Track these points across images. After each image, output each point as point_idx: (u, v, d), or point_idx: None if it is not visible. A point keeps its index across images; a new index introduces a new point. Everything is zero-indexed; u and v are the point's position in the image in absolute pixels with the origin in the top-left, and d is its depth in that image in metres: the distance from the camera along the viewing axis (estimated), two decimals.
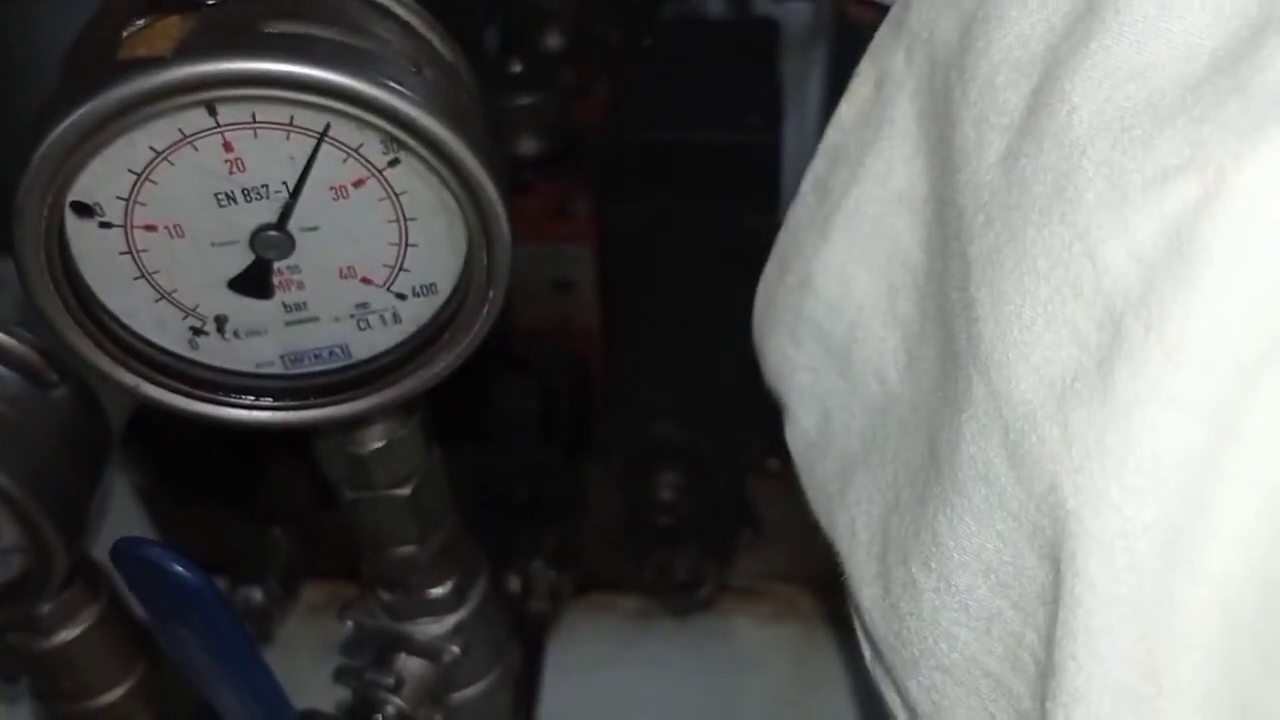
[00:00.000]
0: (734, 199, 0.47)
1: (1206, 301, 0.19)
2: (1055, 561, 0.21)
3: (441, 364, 0.29)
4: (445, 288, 0.28)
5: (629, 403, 0.44)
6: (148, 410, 0.52)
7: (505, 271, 0.27)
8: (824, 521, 0.29)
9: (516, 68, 0.48)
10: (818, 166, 0.30)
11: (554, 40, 0.53)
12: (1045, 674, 0.22)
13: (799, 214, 0.30)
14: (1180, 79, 0.20)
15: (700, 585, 0.50)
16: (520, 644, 0.51)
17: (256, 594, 0.53)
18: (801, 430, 0.30)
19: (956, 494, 0.23)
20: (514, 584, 0.53)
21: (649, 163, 0.47)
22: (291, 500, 0.53)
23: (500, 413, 0.48)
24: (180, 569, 0.27)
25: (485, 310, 0.28)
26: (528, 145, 0.48)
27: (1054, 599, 0.21)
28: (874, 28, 0.29)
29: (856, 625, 0.29)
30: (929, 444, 0.25)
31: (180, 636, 0.29)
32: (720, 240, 0.47)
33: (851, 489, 0.28)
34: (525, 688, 0.50)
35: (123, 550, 0.28)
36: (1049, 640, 0.22)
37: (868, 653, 0.28)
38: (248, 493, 0.54)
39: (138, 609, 0.33)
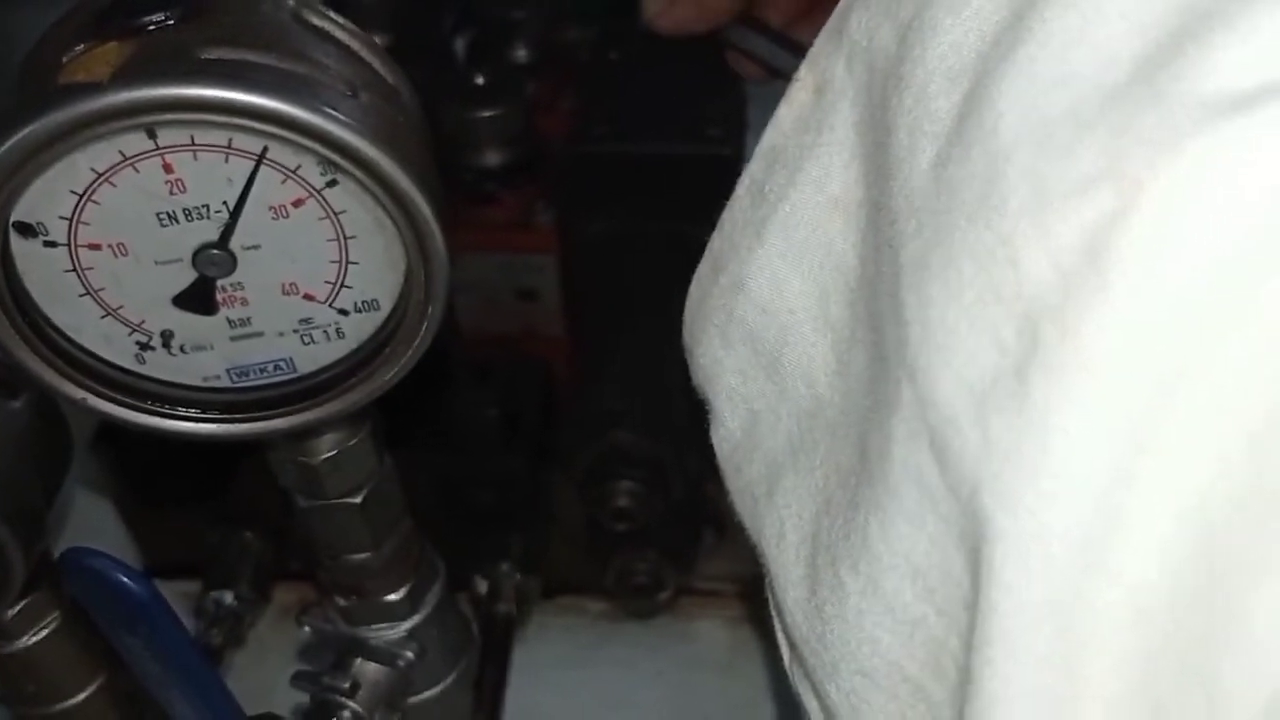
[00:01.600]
0: (696, 210, 0.47)
1: (1120, 312, 0.19)
2: (977, 567, 0.21)
3: (384, 377, 0.29)
4: (386, 304, 0.29)
5: (588, 411, 0.44)
6: None
7: (443, 289, 0.28)
8: (749, 524, 0.30)
9: (481, 80, 0.49)
10: (754, 169, 0.30)
11: (520, 53, 0.53)
12: (964, 680, 0.22)
13: (734, 215, 0.30)
14: (1102, 87, 0.20)
15: (661, 589, 0.51)
16: (486, 645, 0.52)
17: (228, 597, 0.54)
18: (727, 432, 0.31)
19: (889, 497, 0.23)
20: (481, 587, 0.53)
21: (612, 174, 0.48)
22: (263, 504, 0.54)
23: (464, 419, 0.49)
24: (126, 580, 0.28)
25: (424, 326, 0.29)
26: (492, 157, 0.48)
27: (975, 604, 0.22)
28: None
29: (777, 627, 0.29)
30: (859, 447, 0.25)
31: (130, 645, 0.30)
32: (682, 251, 0.47)
33: (780, 492, 0.28)
34: (490, 688, 0.51)
35: (71, 561, 0.28)
36: (969, 646, 0.22)
37: (786, 655, 0.29)
38: (220, 497, 0.55)
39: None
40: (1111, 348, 0.19)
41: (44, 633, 0.37)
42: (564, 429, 0.48)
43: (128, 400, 0.29)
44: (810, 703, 0.28)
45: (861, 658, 0.25)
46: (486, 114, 0.47)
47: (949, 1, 0.23)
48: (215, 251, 0.27)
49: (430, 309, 0.28)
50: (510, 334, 0.50)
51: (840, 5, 0.27)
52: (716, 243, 0.30)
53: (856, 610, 0.25)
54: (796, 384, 0.28)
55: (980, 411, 0.21)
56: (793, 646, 0.28)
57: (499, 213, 0.48)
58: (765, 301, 0.28)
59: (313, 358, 0.30)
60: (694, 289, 0.31)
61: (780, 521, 0.28)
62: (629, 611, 0.53)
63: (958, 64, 0.23)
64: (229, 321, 0.29)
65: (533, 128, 0.49)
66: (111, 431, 0.52)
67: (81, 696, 0.40)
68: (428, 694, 0.40)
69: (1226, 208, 0.18)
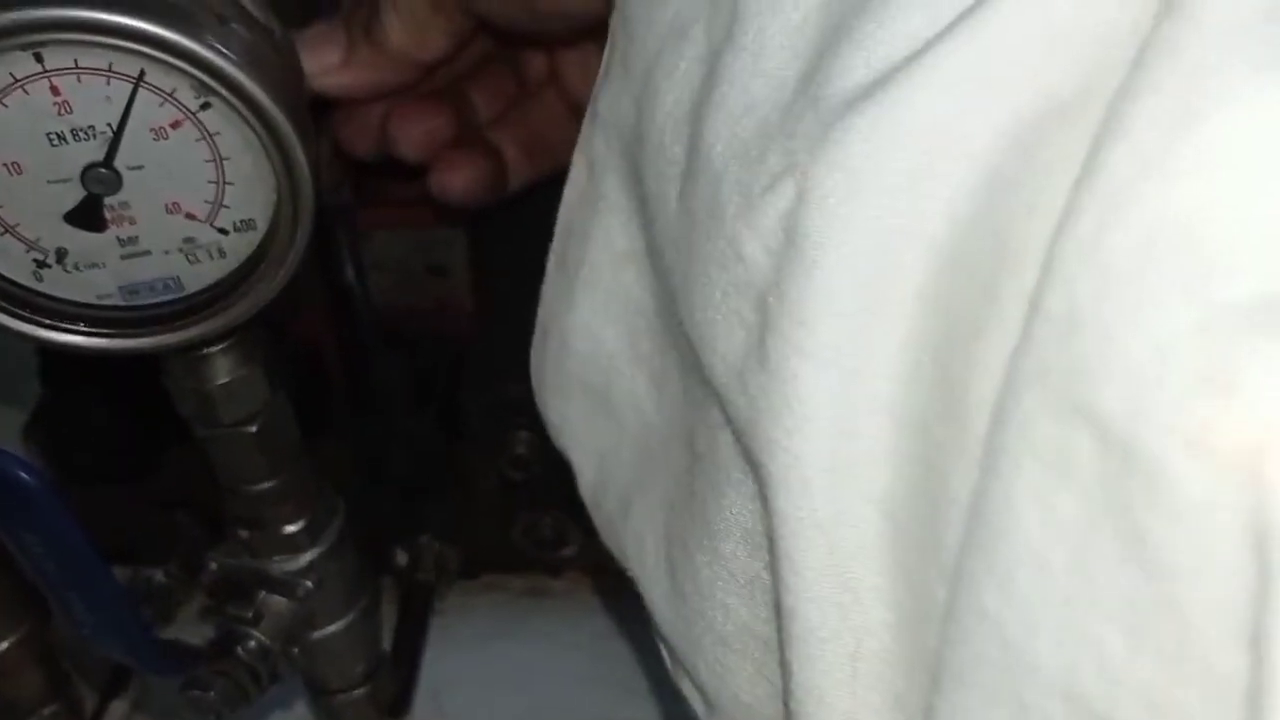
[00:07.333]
0: None
1: (815, 273, 0.23)
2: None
3: (260, 294, 0.32)
4: (262, 224, 0.32)
5: (484, 367, 0.47)
6: (52, 401, 0.55)
7: (308, 207, 0.31)
8: (615, 550, 0.32)
9: None
10: (556, 245, 0.34)
11: None
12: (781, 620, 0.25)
13: (548, 288, 0.34)
14: (778, 106, 0.25)
15: (565, 544, 0.53)
16: (405, 613, 0.54)
17: (158, 575, 0.56)
18: (586, 480, 0.34)
19: (718, 473, 0.27)
20: (401, 559, 0.56)
21: None
22: (194, 486, 0.56)
23: (380, 393, 0.51)
24: (20, 472, 0.30)
25: (294, 244, 0.31)
26: None
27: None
28: None
29: (657, 636, 0.31)
30: (687, 446, 0.29)
31: (28, 541, 0.32)
32: None
33: (632, 512, 0.31)
34: (409, 656, 0.53)
35: None
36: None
37: (668, 659, 0.31)
38: (151, 479, 0.57)
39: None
40: (814, 302, 0.23)
41: None
42: (464, 386, 0.50)
43: (26, 314, 0.32)
44: (690, 692, 0.30)
45: (718, 626, 0.28)
46: None
47: (665, 69, 0.28)
48: (102, 170, 0.30)
49: (299, 229, 0.31)
50: (423, 309, 0.53)
51: (593, 92, 0.32)
52: (541, 314, 0.34)
53: (708, 581, 0.28)
54: (627, 416, 0.32)
55: (742, 381, 0.25)
56: (666, 643, 0.30)
57: (410, 189, 0.51)
58: (587, 353, 0.32)
59: (198, 276, 0.32)
60: (532, 359, 0.35)
61: (638, 533, 0.31)
62: (538, 567, 0.55)
63: (679, 115, 0.27)
64: (119, 240, 0.31)
65: None
66: (45, 414, 0.55)
67: (4, 645, 0.42)
68: (329, 629, 0.43)
69: (866, 175, 0.23)
